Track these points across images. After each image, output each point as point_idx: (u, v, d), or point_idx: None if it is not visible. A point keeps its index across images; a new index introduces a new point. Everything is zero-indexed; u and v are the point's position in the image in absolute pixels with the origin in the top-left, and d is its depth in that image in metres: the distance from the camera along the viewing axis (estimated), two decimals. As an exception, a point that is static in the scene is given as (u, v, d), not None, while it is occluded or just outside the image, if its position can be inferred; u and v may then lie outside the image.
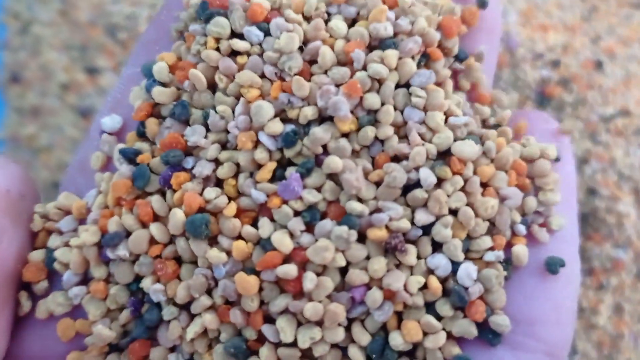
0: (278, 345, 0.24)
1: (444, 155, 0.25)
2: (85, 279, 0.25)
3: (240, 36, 0.26)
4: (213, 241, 0.24)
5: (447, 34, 0.27)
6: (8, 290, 0.25)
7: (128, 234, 0.24)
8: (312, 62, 0.25)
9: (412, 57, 0.26)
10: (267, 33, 0.25)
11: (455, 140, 0.25)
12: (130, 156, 0.25)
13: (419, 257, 0.24)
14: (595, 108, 0.48)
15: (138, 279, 0.24)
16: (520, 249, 0.25)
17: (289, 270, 0.22)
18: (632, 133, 0.48)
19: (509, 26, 0.48)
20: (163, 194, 0.25)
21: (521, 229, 0.25)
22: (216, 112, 0.25)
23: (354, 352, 0.23)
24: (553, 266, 0.25)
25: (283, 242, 0.23)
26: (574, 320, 0.25)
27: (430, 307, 0.24)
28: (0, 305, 0.24)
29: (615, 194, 0.46)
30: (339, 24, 0.25)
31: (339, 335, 0.23)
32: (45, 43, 0.56)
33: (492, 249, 0.24)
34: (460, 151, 0.24)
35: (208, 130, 0.25)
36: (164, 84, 0.26)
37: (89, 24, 0.55)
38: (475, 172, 0.25)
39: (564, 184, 0.27)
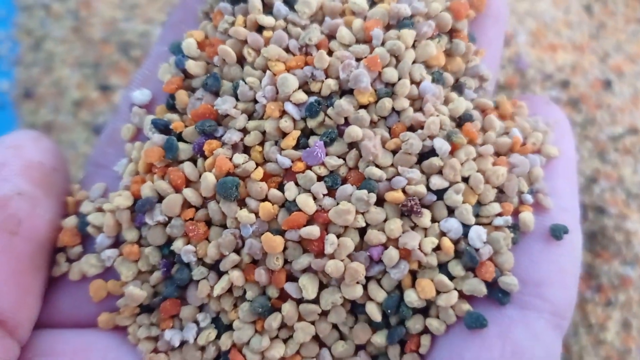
0: (300, 302, 0.26)
1: (458, 126, 0.27)
2: (117, 242, 0.27)
3: (265, 12, 0.28)
4: (241, 203, 0.26)
5: (457, 16, 0.29)
6: (43, 255, 0.27)
7: (159, 199, 0.26)
8: (331, 37, 0.28)
9: (430, 38, 0.28)
10: (292, 8, 0.28)
11: (466, 110, 0.27)
12: (161, 126, 0.27)
13: (433, 220, 0.26)
14: (603, 127, 0.48)
15: (169, 241, 0.26)
16: (527, 216, 0.27)
17: (312, 230, 0.25)
18: None
19: (519, 47, 0.49)
20: (193, 162, 0.27)
21: (528, 197, 0.27)
22: (245, 83, 0.27)
23: (370, 308, 0.25)
24: (557, 232, 0.27)
25: (307, 203, 0.25)
26: (577, 284, 0.27)
27: (442, 267, 0.26)
28: (36, 269, 0.26)
29: (624, 212, 0.46)
30: (358, 1, 0.28)
31: (358, 292, 0.25)
32: (58, 60, 0.57)
33: (500, 214, 0.27)
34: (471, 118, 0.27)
35: (237, 101, 0.27)
36: (193, 59, 0.28)
37: (102, 42, 0.56)
38: (485, 142, 0.27)
39: (564, 159, 0.29)
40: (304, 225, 0.25)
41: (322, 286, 0.26)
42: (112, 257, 0.27)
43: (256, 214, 0.26)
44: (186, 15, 0.31)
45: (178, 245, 0.26)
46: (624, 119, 0.49)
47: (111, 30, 0.56)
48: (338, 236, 0.25)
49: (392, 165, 0.26)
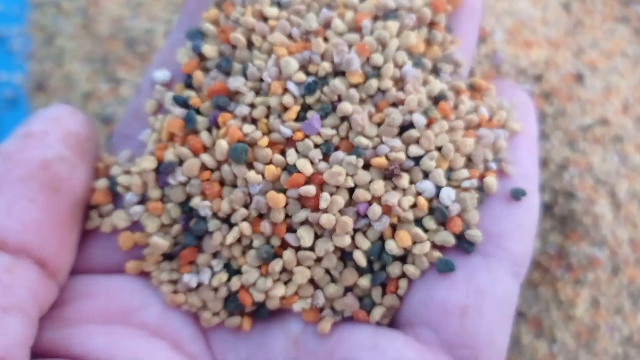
0: (298, 249, 0.29)
1: (435, 104, 0.31)
2: (143, 200, 0.31)
3: (270, 4, 0.32)
4: (249, 166, 0.30)
5: (436, 10, 0.33)
6: (79, 211, 0.30)
7: (179, 162, 0.30)
8: (327, 27, 0.32)
9: (412, 29, 0.32)
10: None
11: (441, 91, 0.31)
12: (181, 102, 0.31)
13: (410, 182, 0.30)
14: (574, 119, 0.49)
15: (188, 198, 0.30)
16: (491, 180, 0.30)
17: (309, 189, 0.28)
18: (610, 141, 0.49)
19: (495, 44, 0.49)
20: (208, 131, 0.30)
21: (492, 165, 0.31)
22: (253, 65, 0.31)
23: (357, 255, 0.29)
24: (516, 194, 0.30)
25: (305, 166, 0.29)
26: (534, 238, 0.30)
27: (418, 221, 0.30)
28: (74, 223, 0.29)
29: (592, 197, 0.47)
30: None
31: (347, 241, 0.29)
32: (68, 54, 0.58)
33: (468, 179, 0.30)
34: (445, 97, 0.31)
35: (246, 80, 0.31)
36: (209, 43, 0.32)
37: (109, 38, 0.57)
38: (456, 118, 0.31)
39: (526, 134, 0.33)
40: (302, 185, 0.29)
41: (316, 237, 0.29)
42: (138, 212, 0.30)
43: (262, 175, 0.29)
44: (199, 5, 0.34)
45: (196, 202, 0.30)
46: (595, 110, 0.50)
47: (118, 28, 0.57)
48: (331, 194, 0.29)
49: (377, 135, 0.30)
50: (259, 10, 0.32)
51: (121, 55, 0.57)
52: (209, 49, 0.32)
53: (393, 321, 0.30)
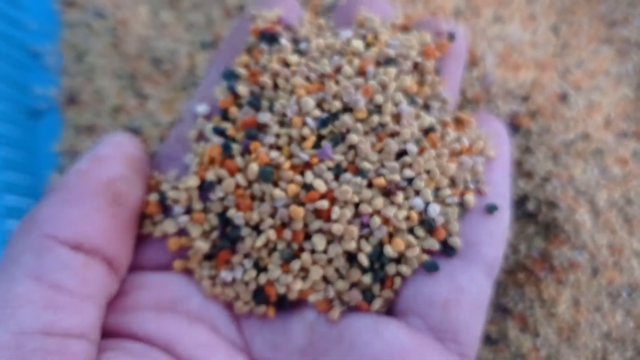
0: (313, 252, 0.33)
1: (425, 135, 0.36)
2: (188, 211, 0.35)
3: (290, 52, 0.38)
4: (275, 185, 0.33)
5: (427, 57, 0.38)
6: (136, 220, 0.34)
7: (218, 181, 0.34)
8: (338, 71, 0.37)
9: (408, 73, 0.37)
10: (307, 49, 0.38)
11: (430, 124, 0.36)
12: (219, 131, 0.35)
13: (404, 199, 0.34)
14: (557, 135, 0.50)
15: (225, 210, 0.34)
16: (469, 198, 0.35)
17: (323, 204, 0.32)
18: (591, 154, 0.51)
19: (486, 68, 0.51)
20: (242, 156, 0.34)
21: (471, 185, 0.35)
22: (278, 102, 0.34)
23: (361, 257, 0.33)
24: (490, 209, 0.35)
25: (320, 185, 0.33)
26: (504, 245, 0.34)
27: (410, 231, 0.34)
28: (132, 229, 0.34)
29: (573, 206, 0.49)
30: (357, 44, 0.37)
31: (353, 246, 0.33)
32: (98, 71, 0.60)
33: (451, 196, 0.34)
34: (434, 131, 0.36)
35: (272, 114, 0.35)
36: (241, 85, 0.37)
37: (136, 56, 0.59)
38: (442, 147, 0.36)
39: (500, 160, 0.37)
40: (318, 200, 0.32)
41: (328, 242, 0.33)
42: (184, 221, 0.34)
43: (285, 192, 0.33)
44: (232, 50, 0.38)
45: (231, 213, 0.33)
46: (578, 126, 0.51)
47: (144, 47, 0.59)
48: (340, 208, 0.33)
49: (378, 161, 0.34)
50: (282, 57, 0.36)
51: (147, 73, 0.59)
52: (242, 89, 0.36)
53: (389, 312, 0.33)
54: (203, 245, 0.34)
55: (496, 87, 0.51)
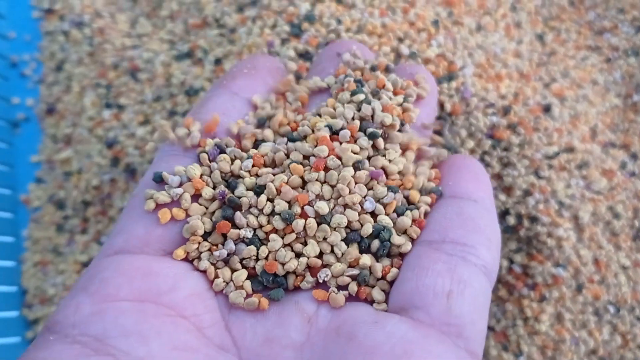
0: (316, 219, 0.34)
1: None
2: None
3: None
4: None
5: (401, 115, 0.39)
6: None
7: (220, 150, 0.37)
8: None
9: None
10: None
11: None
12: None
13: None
14: (540, 148, 0.49)
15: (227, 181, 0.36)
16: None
17: (323, 149, 0.35)
18: (575, 167, 0.51)
19: (466, 79, 0.49)
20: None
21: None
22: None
23: (367, 227, 0.34)
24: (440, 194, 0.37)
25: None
26: (499, 250, 0.34)
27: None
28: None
29: (555, 221, 0.48)
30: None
31: (355, 216, 0.34)
32: (76, 80, 0.60)
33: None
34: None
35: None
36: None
37: (113, 66, 0.59)
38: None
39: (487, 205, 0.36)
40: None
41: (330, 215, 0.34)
42: (179, 192, 0.35)
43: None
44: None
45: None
46: (561, 139, 0.50)
47: (121, 56, 0.59)
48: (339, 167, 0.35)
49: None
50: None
51: (124, 82, 0.59)
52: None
53: (388, 311, 0.33)
54: (199, 223, 0.34)
55: (476, 99, 0.50)
